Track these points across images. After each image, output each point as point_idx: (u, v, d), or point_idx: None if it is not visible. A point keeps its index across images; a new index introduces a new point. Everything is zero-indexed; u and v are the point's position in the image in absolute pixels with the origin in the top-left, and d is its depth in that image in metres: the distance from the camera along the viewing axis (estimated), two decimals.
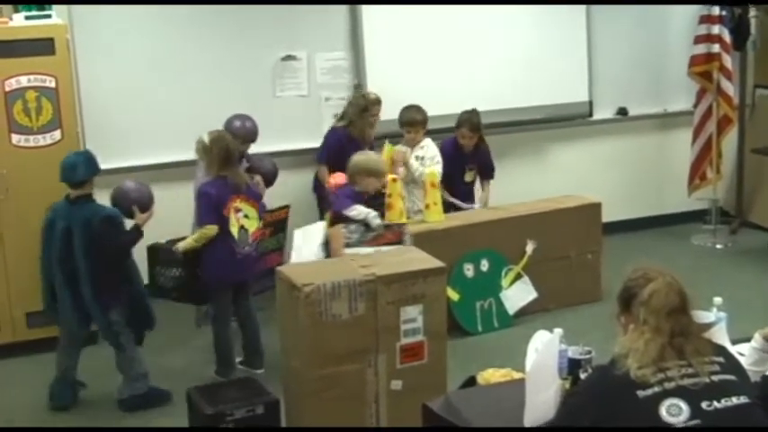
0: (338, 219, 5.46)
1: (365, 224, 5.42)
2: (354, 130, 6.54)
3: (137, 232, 5.15)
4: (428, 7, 7.09)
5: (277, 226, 6.19)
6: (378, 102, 6.59)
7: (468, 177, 6.79)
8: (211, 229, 5.23)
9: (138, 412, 5.06)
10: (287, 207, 6.34)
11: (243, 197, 5.36)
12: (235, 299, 5.50)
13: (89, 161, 5.10)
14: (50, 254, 5.05)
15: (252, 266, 5.51)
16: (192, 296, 5.52)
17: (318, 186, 6.67)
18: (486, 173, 6.87)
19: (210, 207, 5.26)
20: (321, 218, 6.51)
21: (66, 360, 5.18)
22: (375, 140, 6.59)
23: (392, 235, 5.46)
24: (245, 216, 5.36)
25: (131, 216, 5.16)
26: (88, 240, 4.95)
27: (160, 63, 6.62)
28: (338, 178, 6.33)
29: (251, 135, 6.14)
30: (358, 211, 5.42)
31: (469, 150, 6.67)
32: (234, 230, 5.29)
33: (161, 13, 6.54)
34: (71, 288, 5.00)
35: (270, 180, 6.23)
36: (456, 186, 6.66)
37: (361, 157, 5.69)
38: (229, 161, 5.34)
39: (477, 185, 6.90)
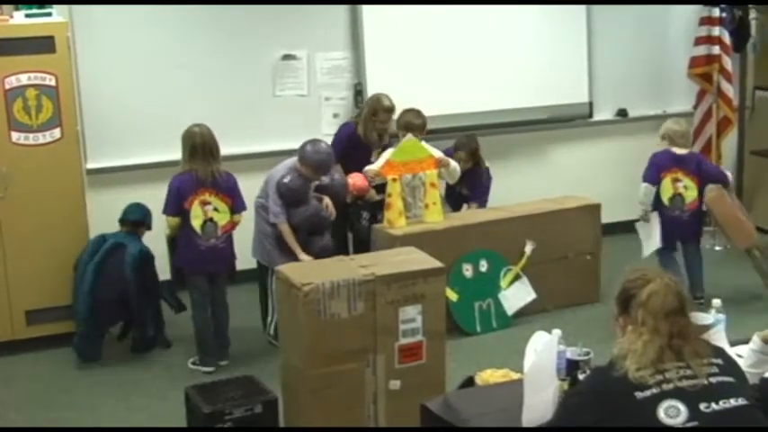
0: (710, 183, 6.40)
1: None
2: (359, 129, 6.50)
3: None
4: (429, 7, 7.08)
5: None
6: (387, 110, 6.42)
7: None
8: (172, 221, 5.43)
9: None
10: None
11: (212, 191, 5.43)
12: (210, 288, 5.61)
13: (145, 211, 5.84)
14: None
15: (220, 258, 5.54)
16: (176, 281, 5.74)
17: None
18: (475, 196, 6.67)
19: (172, 199, 5.43)
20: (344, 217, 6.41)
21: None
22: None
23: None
24: (215, 209, 5.44)
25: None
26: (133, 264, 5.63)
27: (160, 62, 6.61)
28: (356, 179, 6.19)
29: (323, 166, 5.63)
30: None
31: (464, 169, 6.49)
32: (196, 223, 5.39)
33: (161, 11, 6.52)
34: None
35: (342, 196, 6.00)
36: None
37: (681, 126, 6.37)
38: (195, 156, 5.43)
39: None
